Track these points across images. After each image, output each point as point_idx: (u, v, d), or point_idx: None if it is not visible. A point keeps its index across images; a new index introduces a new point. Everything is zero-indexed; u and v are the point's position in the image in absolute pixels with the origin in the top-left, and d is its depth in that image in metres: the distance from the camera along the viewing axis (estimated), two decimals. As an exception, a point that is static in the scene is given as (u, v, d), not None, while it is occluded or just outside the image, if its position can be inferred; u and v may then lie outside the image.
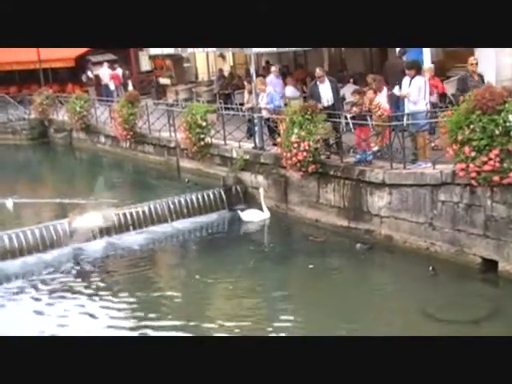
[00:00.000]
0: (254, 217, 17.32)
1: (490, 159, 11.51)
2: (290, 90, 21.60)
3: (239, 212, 17.51)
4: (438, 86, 17.34)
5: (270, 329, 11.52)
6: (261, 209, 17.25)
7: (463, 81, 15.40)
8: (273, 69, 21.99)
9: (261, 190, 17.28)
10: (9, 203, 19.19)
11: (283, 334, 10.85)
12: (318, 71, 17.63)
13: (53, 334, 11.73)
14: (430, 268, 12.72)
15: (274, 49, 22.49)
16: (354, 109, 15.52)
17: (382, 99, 15.50)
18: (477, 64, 15.39)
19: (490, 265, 12.33)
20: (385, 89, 16.28)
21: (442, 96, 17.57)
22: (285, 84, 21.76)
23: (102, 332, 11.66)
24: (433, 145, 14.60)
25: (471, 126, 11.77)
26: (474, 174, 11.91)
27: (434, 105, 16.10)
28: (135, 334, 11.64)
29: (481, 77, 15.23)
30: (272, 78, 20.77)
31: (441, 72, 21.42)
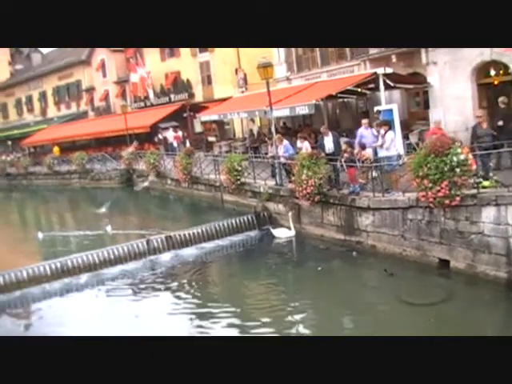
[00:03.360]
0: (283, 234, 17.09)
1: (442, 188, 11.56)
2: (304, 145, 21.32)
3: (271, 229, 17.29)
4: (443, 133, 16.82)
5: (290, 308, 11.57)
6: (288, 228, 17.06)
7: (473, 129, 15.48)
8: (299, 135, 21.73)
9: (290, 214, 17.01)
10: (108, 229, 20.05)
11: (288, 331, 10.48)
12: (323, 128, 17.73)
13: (137, 317, 11.87)
14: (384, 270, 12.65)
15: (289, 113, 22.65)
16: (346, 155, 15.56)
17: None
18: (481, 117, 15.52)
19: (444, 263, 12.28)
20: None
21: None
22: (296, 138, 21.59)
23: (171, 318, 11.75)
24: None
25: (428, 165, 11.81)
26: (431, 199, 11.95)
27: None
28: (197, 314, 11.77)
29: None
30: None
31: (406, 127, 21.51)
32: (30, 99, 60.31)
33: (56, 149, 44.56)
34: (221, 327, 10.84)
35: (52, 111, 56.87)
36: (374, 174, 14.81)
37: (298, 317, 11.13)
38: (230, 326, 10.96)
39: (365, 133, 17.10)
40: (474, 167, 11.79)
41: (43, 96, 57.95)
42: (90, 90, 51.47)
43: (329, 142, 16.90)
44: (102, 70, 49.92)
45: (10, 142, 57.52)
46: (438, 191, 11.65)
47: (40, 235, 21.05)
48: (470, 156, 11.75)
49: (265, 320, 11.04)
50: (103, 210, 22.34)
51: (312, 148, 18.21)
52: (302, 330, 10.44)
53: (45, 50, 69.20)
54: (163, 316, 12.01)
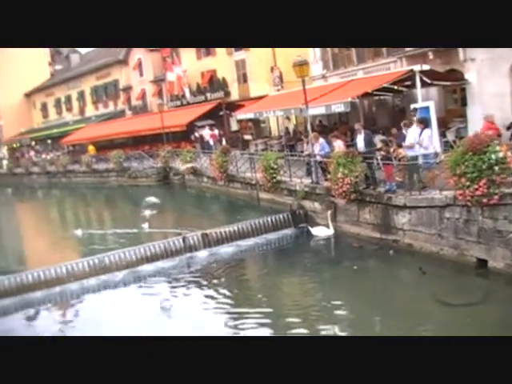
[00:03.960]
0: (321, 232, 16.96)
1: (480, 187, 11.39)
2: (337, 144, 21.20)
3: (310, 228, 17.20)
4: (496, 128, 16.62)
5: (325, 308, 11.55)
6: (327, 226, 16.95)
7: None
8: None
9: (329, 213, 16.87)
10: (145, 226, 20.48)
11: (322, 331, 10.40)
12: (357, 126, 17.61)
13: (176, 311, 12.05)
14: (419, 267, 12.58)
15: (324, 111, 22.56)
16: (382, 153, 15.47)
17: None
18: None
19: (482, 263, 12.10)
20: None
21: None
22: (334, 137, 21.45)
23: (206, 316, 11.83)
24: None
25: (466, 163, 11.67)
26: (469, 198, 11.78)
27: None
28: (233, 313, 11.81)
29: None
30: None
31: (443, 124, 21.22)
32: (68, 99, 61.38)
33: (91, 147, 45.33)
34: (254, 326, 10.89)
35: (90, 110, 57.77)
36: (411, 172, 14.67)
37: (332, 316, 11.11)
38: (264, 325, 11.00)
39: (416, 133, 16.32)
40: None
41: (81, 95, 58.91)
42: (127, 89, 52.09)
43: (360, 140, 16.80)
44: (138, 69, 50.46)
45: (49, 141, 58.71)
46: (476, 190, 11.50)
47: (79, 232, 21.46)
48: (510, 154, 11.57)
49: (298, 319, 11.04)
50: (148, 212, 22.53)
51: (347, 146, 18.14)
52: (337, 330, 10.38)
53: (83, 51, 70.39)
54: (198, 314, 12.11)
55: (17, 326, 12.60)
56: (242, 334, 10.56)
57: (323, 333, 10.24)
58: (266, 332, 10.57)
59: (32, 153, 58.01)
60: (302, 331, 10.42)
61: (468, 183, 11.64)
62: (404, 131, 16.64)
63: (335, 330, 10.36)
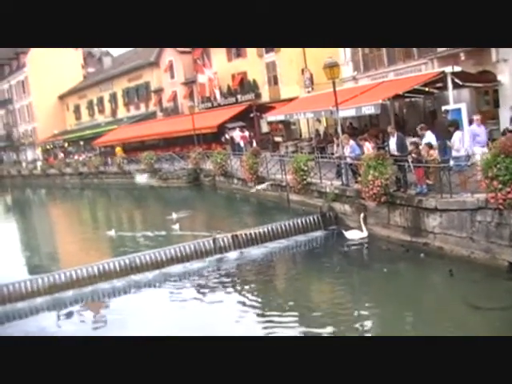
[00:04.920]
0: (355, 235, 16.76)
1: (512, 189, 11.31)
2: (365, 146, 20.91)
3: (343, 231, 17.00)
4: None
5: (354, 311, 11.58)
6: (360, 229, 16.77)
7: None
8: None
9: (361, 216, 16.76)
10: (176, 227, 20.90)
11: (350, 334, 10.45)
12: (390, 129, 17.53)
13: (204, 313, 12.13)
14: (449, 270, 12.51)
15: (355, 113, 22.55)
16: (413, 155, 15.39)
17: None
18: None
19: (515, 267, 11.97)
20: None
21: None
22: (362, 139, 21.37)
23: (235, 317, 11.87)
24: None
25: (498, 166, 11.57)
26: (501, 201, 11.66)
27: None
28: (261, 315, 11.88)
29: None
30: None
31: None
32: (101, 101, 62.28)
33: (118, 149, 45.96)
34: (283, 328, 10.91)
35: (122, 112, 58.51)
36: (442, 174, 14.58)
37: (361, 319, 11.13)
38: (293, 327, 11.04)
39: (478, 130, 16.06)
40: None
41: (113, 97, 59.71)
42: (159, 91, 52.62)
43: (392, 143, 16.74)
44: (170, 71, 50.97)
45: (82, 142, 59.63)
46: (508, 192, 11.38)
47: (112, 232, 21.80)
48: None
49: (328, 321, 11.05)
50: (173, 216, 22.87)
51: (378, 148, 18.07)
52: (365, 333, 10.41)
53: (115, 53, 71.30)
54: (227, 315, 12.20)
55: (49, 324, 12.85)
56: (266, 334, 10.62)
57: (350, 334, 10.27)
58: (294, 333, 10.62)
59: (61, 155, 58.83)
60: (327, 331, 10.43)
61: (500, 186, 11.52)
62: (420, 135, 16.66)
63: (362, 333, 10.38)
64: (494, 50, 20.02)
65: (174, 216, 22.70)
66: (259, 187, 20.76)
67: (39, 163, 62.21)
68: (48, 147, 66.66)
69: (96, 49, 77.23)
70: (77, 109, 67.40)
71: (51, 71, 65.26)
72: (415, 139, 17.42)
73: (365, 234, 16.66)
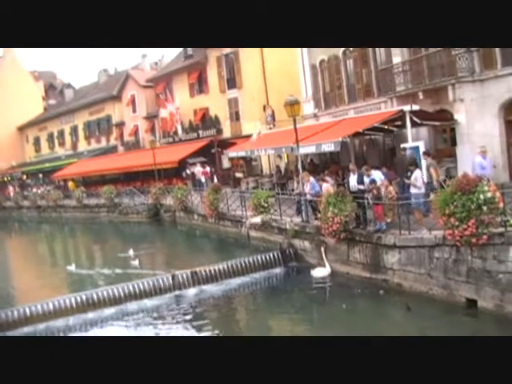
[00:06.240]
0: (320, 273, 16.56)
1: (469, 226, 11.51)
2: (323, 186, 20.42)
3: (311, 271, 16.72)
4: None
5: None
6: (321, 265, 16.69)
7: None
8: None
9: (322, 249, 16.74)
10: (135, 263, 20.81)
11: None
12: (351, 166, 17.72)
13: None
14: (406, 305, 12.67)
15: (315, 150, 22.71)
16: (374, 191, 15.54)
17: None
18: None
19: (471, 303, 12.10)
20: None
21: None
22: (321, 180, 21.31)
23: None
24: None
25: (455, 203, 11.77)
26: (458, 238, 11.89)
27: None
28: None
29: None
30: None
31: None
32: (61, 133, 61.69)
33: (71, 183, 45.46)
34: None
35: (82, 145, 58.01)
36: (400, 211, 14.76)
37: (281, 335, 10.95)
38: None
39: (484, 163, 15.90)
40: (501, 205, 11.71)
41: (74, 130, 59.24)
42: (120, 124, 52.43)
43: (353, 180, 16.91)
44: (132, 105, 50.91)
45: (41, 175, 58.72)
46: (465, 229, 11.58)
47: (72, 267, 21.36)
48: (498, 194, 11.69)
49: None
50: (131, 253, 22.55)
51: (338, 185, 18.21)
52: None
53: (77, 86, 70.90)
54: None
55: None
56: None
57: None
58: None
59: (11, 188, 57.36)
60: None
61: (457, 223, 11.73)
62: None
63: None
64: (450, 90, 20.53)
65: (132, 253, 22.35)
66: (253, 221, 20.55)
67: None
68: (6, 179, 65.39)
69: (58, 80, 76.91)
70: (37, 141, 66.54)
71: (10, 102, 64.35)
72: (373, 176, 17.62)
73: (328, 270, 16.55)
